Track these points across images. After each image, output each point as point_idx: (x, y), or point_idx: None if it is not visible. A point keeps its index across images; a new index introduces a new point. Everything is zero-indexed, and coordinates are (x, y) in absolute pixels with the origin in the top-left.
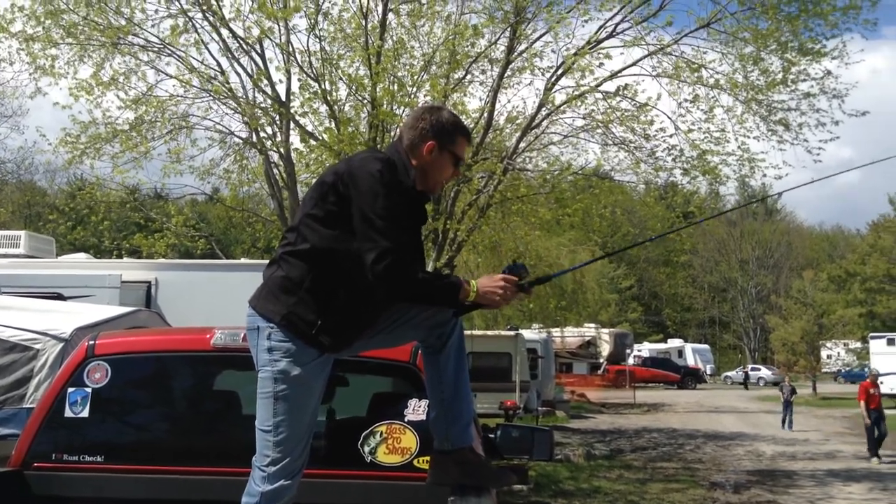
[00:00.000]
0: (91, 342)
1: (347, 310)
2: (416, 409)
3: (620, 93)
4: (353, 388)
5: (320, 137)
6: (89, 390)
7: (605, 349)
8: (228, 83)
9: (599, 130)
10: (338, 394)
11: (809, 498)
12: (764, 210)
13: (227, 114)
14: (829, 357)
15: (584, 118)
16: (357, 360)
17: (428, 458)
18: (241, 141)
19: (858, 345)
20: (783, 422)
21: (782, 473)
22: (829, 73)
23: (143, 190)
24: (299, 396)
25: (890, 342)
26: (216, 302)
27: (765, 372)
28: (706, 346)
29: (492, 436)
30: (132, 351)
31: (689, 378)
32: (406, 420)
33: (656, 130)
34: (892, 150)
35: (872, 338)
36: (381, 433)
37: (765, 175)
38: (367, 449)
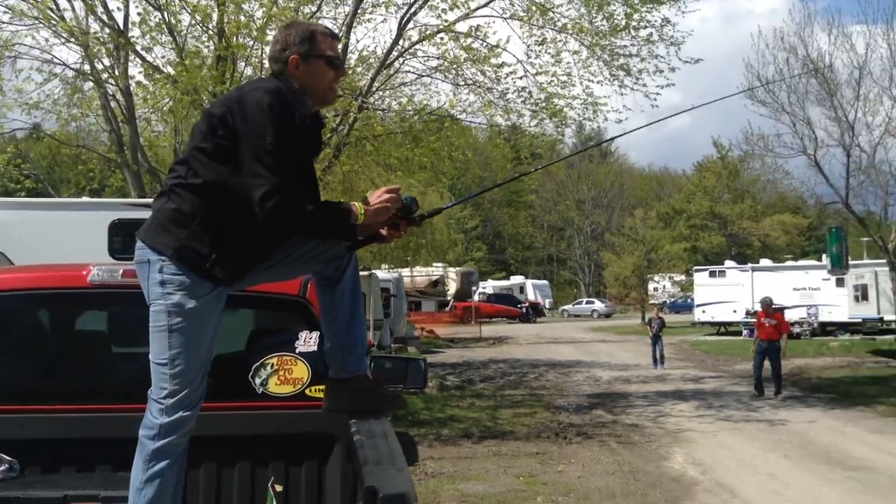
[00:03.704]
0: None
1: (241, 243)
2: (307, 341)
3: (472, 34)
4: (243, 323)
5: (165, 70)
6: None
7: (453, 287)
8: (59, 10)
9: (452, 72)
10: (227, 328)
11: (644, 416)
12: (599, 153)
13: (60, 43)
14: (655, 289)
15: (437, 58)
16: (247, 294)
17: (319, 387)
18: (74, 73)
19: (683, 277)
20: (654, 360)
21: (619, 395)
22: (667, 20)
23: None
24: (195, 329)
25: (711, 274)
26: (55, 242)
27: (598, 304)
28: (545, 282)
29: None
30: (4, 288)
31: (530, 312)
32: (297, 352)
33: (506, 73)
34: (720, 92)
35: (696, 270)
36: (272, 365)
37: (606, 119)
38: (258, 381)
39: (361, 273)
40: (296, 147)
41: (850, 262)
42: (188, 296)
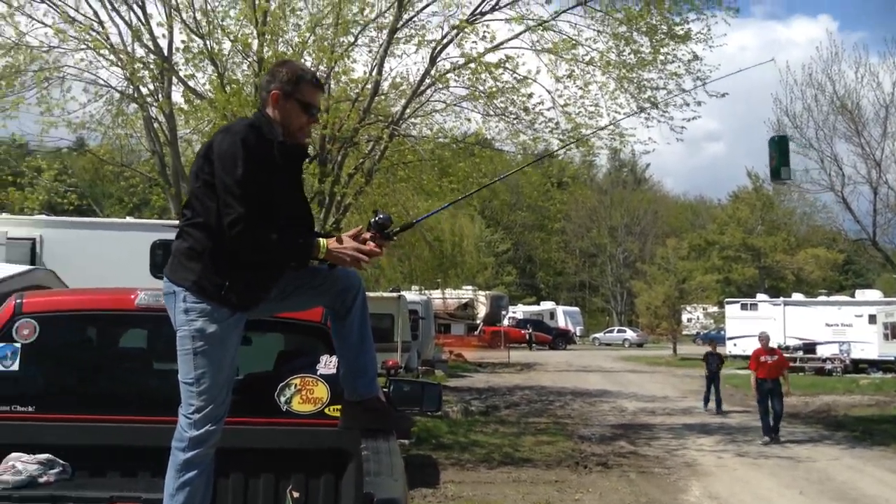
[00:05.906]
0: (18, 301)
1: (249, 272)
2: (328, 364)
3: (502, 65)
4: (271, 346)
5: (206, 96)
6: (18, 345)
7: (482, 311)
8: (107, 35)
9: (482, 101)
10: (258, 350)
11: (666, 448)
12: (633, 179)
13: (104, 67)
14: (688, 320)
15: (467, 88)
16: (274, 320)
17: (338, 406)
18: (119, 95)
19: (715, 309)
20: (706, 400)
21: (643, 427)
22: (696, 56)
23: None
24: (216, 351)
25: (743, 307)
26: (100, 259)
27: (630, 334)
28: (576, 309)
29: (385, 390)
30: (58, 309)
31: (560, 339)
32: (318, 373)
33: (535, 104)
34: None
35: (728, 303)
36: (296, 385)
37: (633, 150)
38: (282, 399)
39: (391, 294)
40: (269, 177)
41: (882, 300)
42: (209, 321)
